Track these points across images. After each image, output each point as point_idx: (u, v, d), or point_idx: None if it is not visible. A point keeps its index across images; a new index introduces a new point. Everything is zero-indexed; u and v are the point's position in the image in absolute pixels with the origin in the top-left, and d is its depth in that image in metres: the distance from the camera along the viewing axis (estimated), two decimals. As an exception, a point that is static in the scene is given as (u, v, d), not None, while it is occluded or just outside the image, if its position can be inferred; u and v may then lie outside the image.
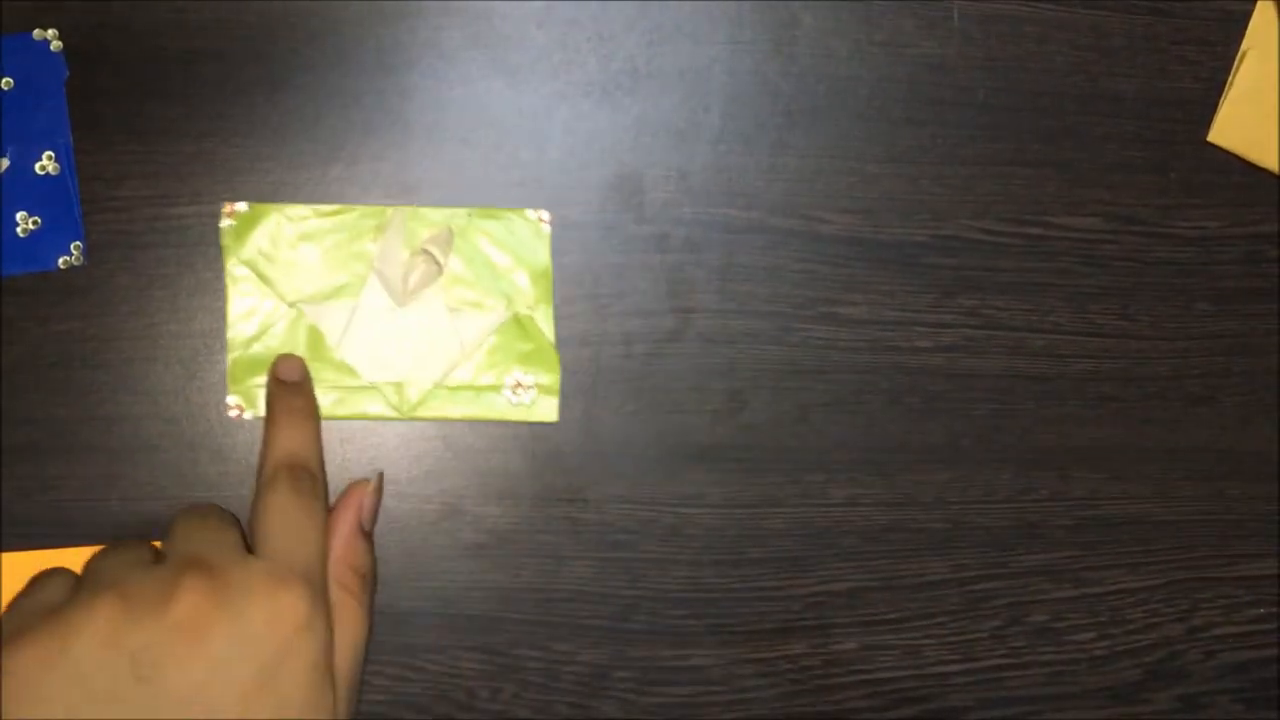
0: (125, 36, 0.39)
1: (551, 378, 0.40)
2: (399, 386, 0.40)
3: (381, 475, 0.39)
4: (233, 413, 0.39)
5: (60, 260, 0.38)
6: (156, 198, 0.39)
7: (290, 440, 0.37)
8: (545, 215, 0.40)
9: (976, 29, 0.42)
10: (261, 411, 0.39)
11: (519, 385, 0.40)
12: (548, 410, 0.40)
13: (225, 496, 0.39)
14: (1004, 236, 0.43)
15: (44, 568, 0.35)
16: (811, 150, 0.42)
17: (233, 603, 0.31)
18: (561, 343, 0.41)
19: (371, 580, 0.37)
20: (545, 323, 0.40)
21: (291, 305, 0.39)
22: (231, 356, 0.39)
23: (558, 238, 0.41)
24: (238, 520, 0.36)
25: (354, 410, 0.40)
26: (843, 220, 0.42)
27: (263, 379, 0.39)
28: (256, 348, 0.39)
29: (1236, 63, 0.43)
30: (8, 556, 0.38)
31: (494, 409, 0.40)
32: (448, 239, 0.39)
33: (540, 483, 0.41)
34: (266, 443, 0.37)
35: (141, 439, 0.39)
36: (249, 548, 0.35)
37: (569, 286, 0.41)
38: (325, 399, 0.39)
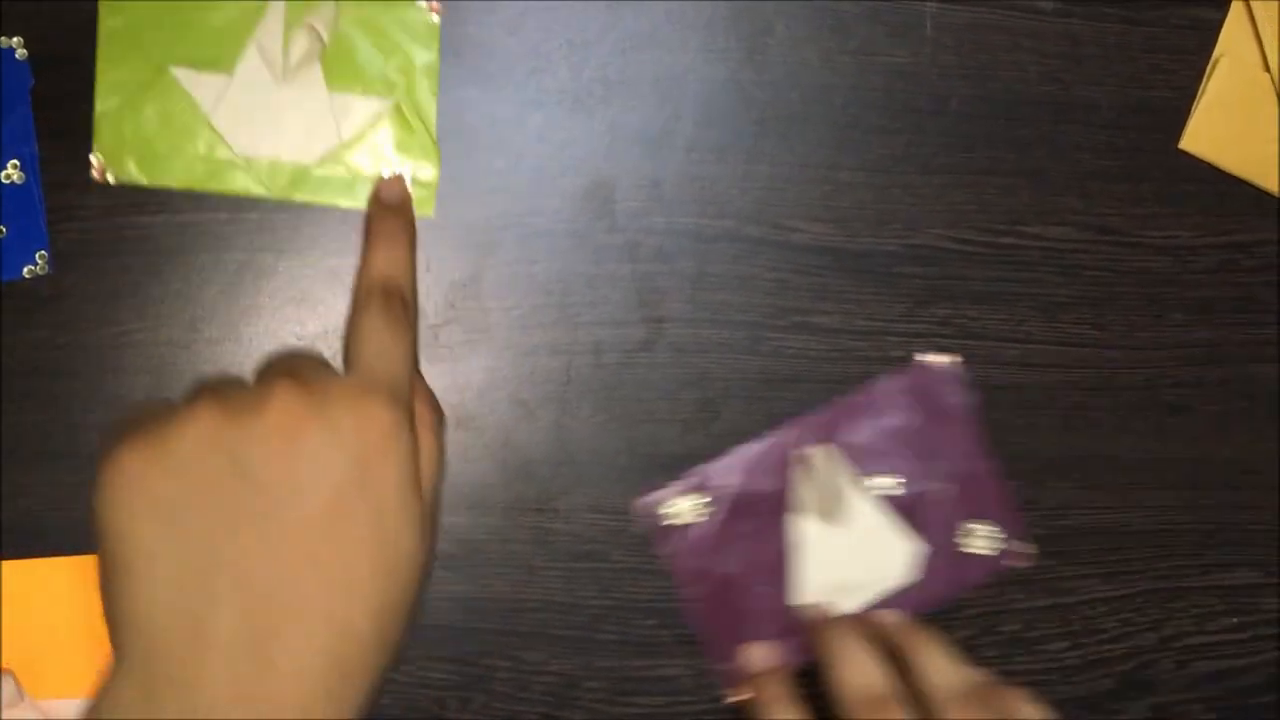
0: (91, 44, 0.38)
1: (431, 172, 0.40)
2: (272, 164, 0.39)
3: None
4: (94, 172, 0.38)
5: (26, 269, 0.38)
6: (123, 206, 0.39)
7: (386, 262, 0.37)
8: (436, 5, 0.39)
9: (949, 38, 0.42)
10: (126, 177, 0.38)
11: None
12: (424, 204, 0.40)
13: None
14: (977, 246, 0.43)
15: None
16: (784, 159, 0.42)
17: (323, 409, 0.31)
18: (532, 351, 0.41)
19: (443, 421, 0.37)
20: (429, 116, 0.39)
21: (165, 68, 0.38)
22: (99, 110, 0.38)
23: (529, 245, 0.41)
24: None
25: (224, 185, 0.39)
26: (815, 229, 0.42)
27: (130, 135, 0.38)
28: (126, 107, 0.38)
29: (1208, 70, 0.43)
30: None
31: (366, 198, 0.39)
32: (332, 14, 0.38)
33: (510, 492, 0.41)
34: (363, 262, 0.37)
35: (108, 448, 0.39)
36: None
37: (539, 295, 0.41)
38: (194, 170, 0.38)
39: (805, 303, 0.42)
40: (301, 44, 0.38)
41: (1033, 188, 0.43)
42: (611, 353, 0.41)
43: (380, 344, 0.34)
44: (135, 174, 0.38)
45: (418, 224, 0.40)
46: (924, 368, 0.42)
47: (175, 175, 0.38)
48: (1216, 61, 0.43)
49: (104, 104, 0.38)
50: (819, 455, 0.41)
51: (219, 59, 0.38)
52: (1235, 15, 0.43)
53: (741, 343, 0.42)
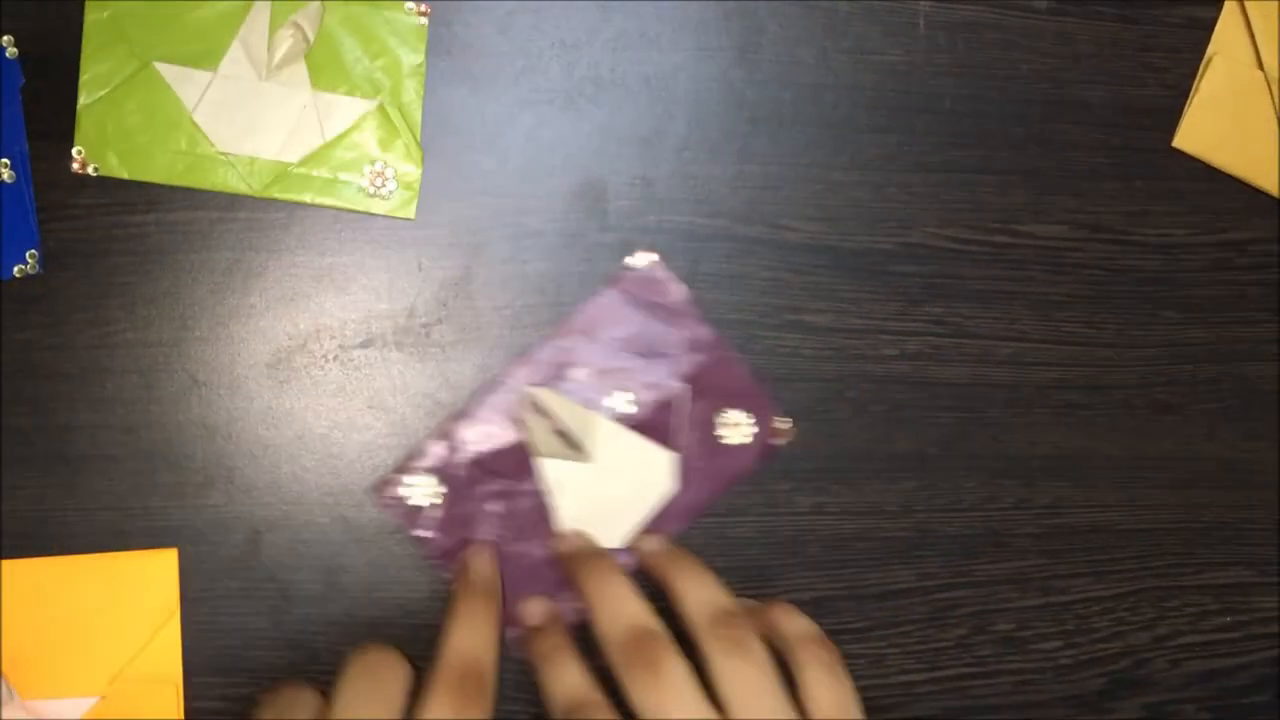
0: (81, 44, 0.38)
1: (414, 173, 0.39)
2: (252, 161, 0.38)
3: None
4: (75, 165, 0.38)
5: (16, 269, 0.38)
6: (113, 206, 0.39)
7: (467, 641, 0.36)
8: (423, 7, 0.39)
9: (943, 36, 0.42)
10: (108, 170, 0.38)
11: (379, 177, 0.39)
12: (406, 206, 0.39)
13: (182, 506, 0.39)
14: (970, 244, 0.43)
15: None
16: (777, 158, 0.42)
17: None
18: (525, 351, 0.41)
19: None
20: (414, 118, 0.39)
21: (149, 63, 0.38)
22: (82, 103, 0.38)
23: (521, 245, 0.41)
24: (406, 676, 0.36)
25: (206, 181, 0.38)
26: (809, 228, 0.42)
27: (113, 129, 0.38)
28: (109, 101, 0.38)
29: (1202, 68, 0.43)
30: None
31: (349, 198, 0.39)
32: (317, 13, 0.38)
33: (502, 492, 0.41)
34: (444, 634, 0.36)
35: (99, 449, 0.39)
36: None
37: (532, 294, 0.41)
38: (176, 165, 0.38)
39: (799, 301, 0.42)
40: (286, 42, 0.38)
41: (1026, 186, 0.43)
42: (604, 352, 0.41)
43: None
44: (117, 168, 0.38)
45: (407, 225, 0.40)
46: (630, 273, 0.40)
47: (157, 170, 0.38)
48: (1210, 60, 0.43)
49: (87, 97, 0.38)
50: (542, 397, 0.40)
51: (203, 55, 0.38)
52: (1228, 14, 0.43)
53: (734, 341, 0.42)
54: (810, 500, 0.43)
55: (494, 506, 0.40)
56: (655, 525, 0.41)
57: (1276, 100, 0.43)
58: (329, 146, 0.39)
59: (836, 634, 0.43)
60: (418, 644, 0.41)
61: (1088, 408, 0.44)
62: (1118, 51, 0.43)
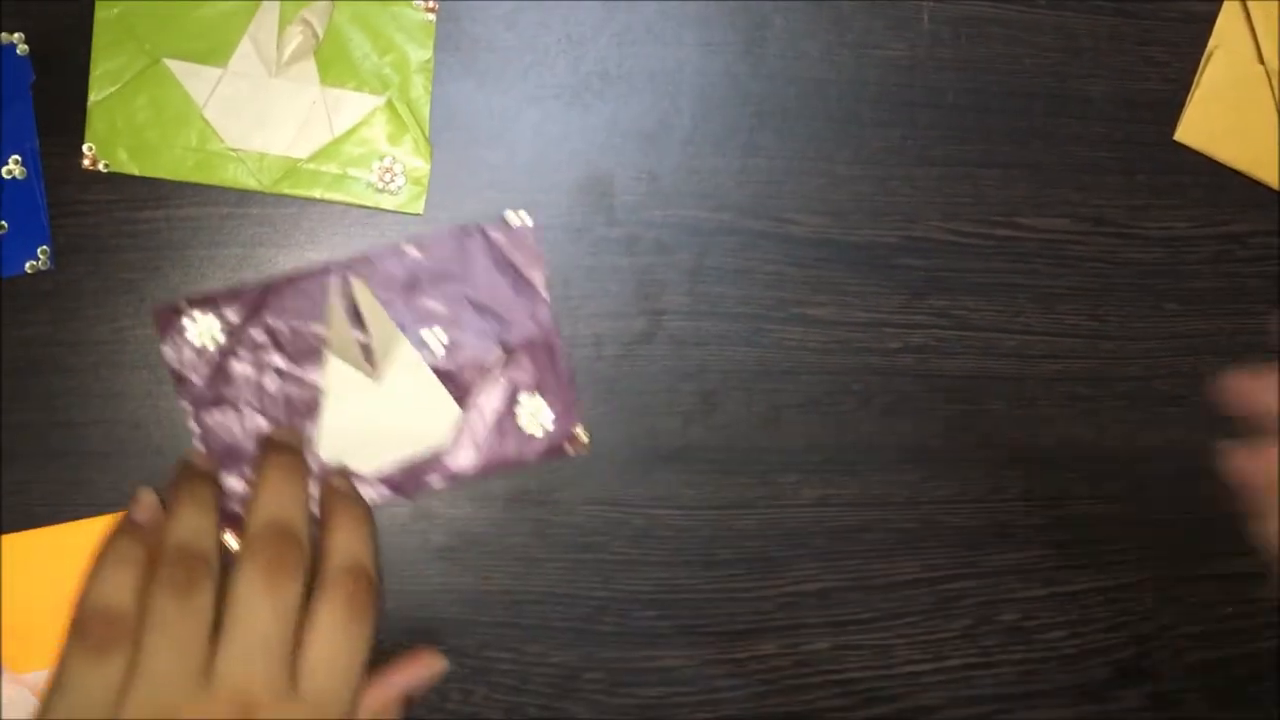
0: (91, 39, 0.38)
1: (423, 168, 0.40)
2: (261, 157, 0.39)
3: (447, 666, 0.39)
4: (85, 161, 0.38)
5: (27, 264, 0.38)
6: (123, 202, 0.39)
7: (350, 542, 0.36)
8: (431, 4, 0.39)
9: (946, 31, 0.43)
10: (118, 166, 0.38)
11: (388, 172, 0.39)
12: (414, 201, 0.40)
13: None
14: (973, 238, 0.43)
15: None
16: (782, 152, 0.42)
17: None
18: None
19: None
20: (422, 113, 0.39)
21: (159, 59, 0.38)
22: (92, 100, 0.38)
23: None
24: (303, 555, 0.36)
25: (215, 177, 0.39)
26: (813, 222, 0.42)
27: (123, 125, 0.38)
28: (119, 97, 0.38)
29: (1203, 62, 0.44)
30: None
31: (358, 194, 0.39)
32: (326, 9, 0.38)
33: (510, 485, 0.41)
34: (323, 542, 0.36)
35: (108, 444, 0.39)
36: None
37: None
38: (186, 161, 0.38)
39: (803, 295, 0.42)
40: (296, 39, 0.38)
41: (1029, 180, 0.43)
42: (611, 345, 0.41)
43: (338, 659, 0.34)
44: (126, 163, 0.38)
45: (415, 220, 0.40)
46: (503, 226, 0.40)
47: (166, 166, 0.39)
48: (1211, 54, 0.44)
49: (97, 94, 0.38)
50: (360, 291, 0.39)
51: (213, 51, 0.38)
52: (1229, 7, 0.43)
53: (740, 335, 0.42)
54: (816, 492, 0.43)
55: (267, 380, 0.39)
56: (411, 473, 0.40)
57: (1277, 94, 0.44)
58: (338, 142, 0.39)
59: (842, 625, 0.43)
60: (430, 636, 0.41)
61: (1091, 400, 0.44)
62: (1118, 45, 0.43)
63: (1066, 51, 0.43)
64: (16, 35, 0.38)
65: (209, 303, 0.39)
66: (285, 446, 0.38)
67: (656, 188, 0.41)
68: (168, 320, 0.39)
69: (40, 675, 0.39)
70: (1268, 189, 0.44)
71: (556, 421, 0.40)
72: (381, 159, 0.39)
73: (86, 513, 0.39)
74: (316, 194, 0.39)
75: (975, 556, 0.44)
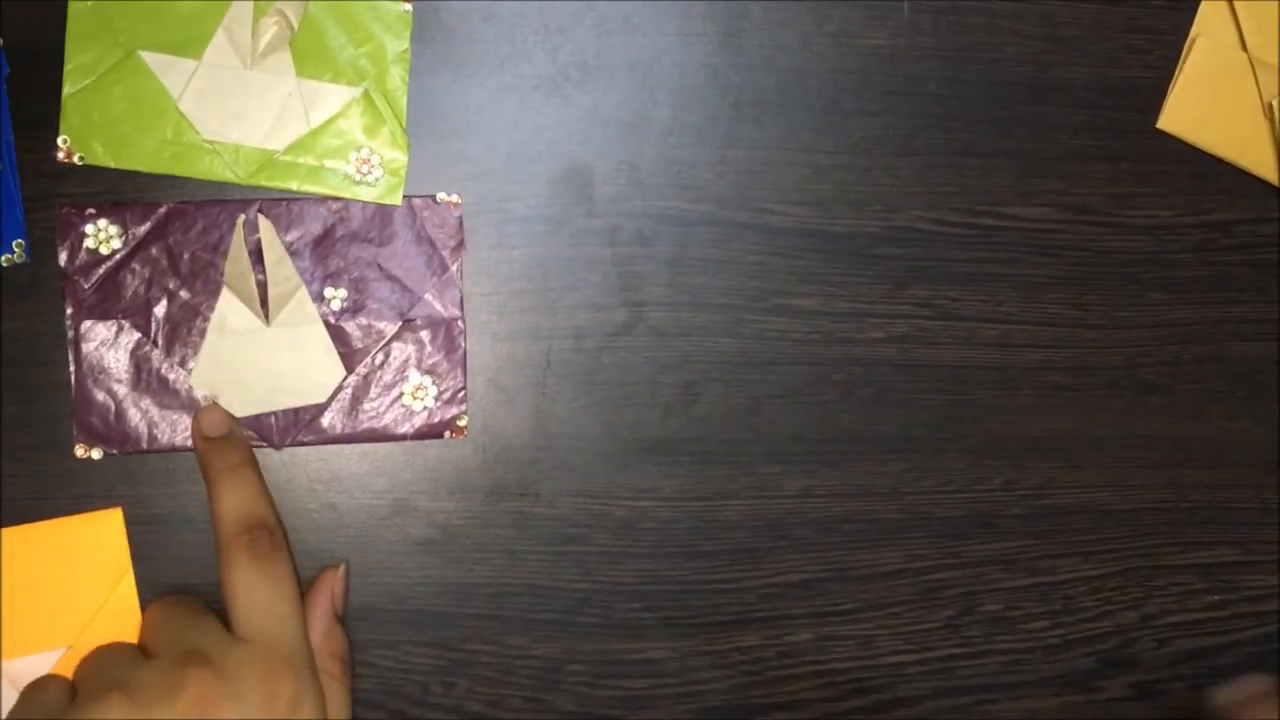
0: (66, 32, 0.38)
1: (400, 159, 0.39)
2: (237, 149, 0.38)
3: (348, 563, 0.40)
4: (60, 154, 0.38)
5: (3, 258, 0.38)
6: (98, 194, 0.39)
7: (237, 499, 0.37)
8: None
9: (927, 19, 0.42)
10: (93, 159, 0.38)
11: (365, 164, 0.39)
12: (392, 192, 0.39)
13: (174, 494, 0.39)
14: (956, 227, 0.43)
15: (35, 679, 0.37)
16: (762, 142, 0.42)
17: (232, 688, 0.34)
18: (511, 337, 0.41)
19: (350, 662, 0.39)
20: (399, 104, 0.39)
21: (134, 52, 0.38)
22: (67, 92, 0.38)
23: (507, 231, 0.41)
24: (210, 607, 0.37)
25: (191, 169, 0.38)
26: (794, 212, 0.42)
27: (98, 117, 0.38)
28: (94, 90, 0.38)
29: (1185, 49, 0.43)
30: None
31: (335, 185, 0.39)
32: (302, 1, 0.38)
33: (491, 477, 0.41)
34: (212, 506, 0.37)
35: (88, 437, 0.39)
36: (228, 624, 0.36)
37: (519, 280, 0.41)
38: (162, 153, 0.38)
39: (785, 285, 0.42)
40: (270, 30, 0.38)
41: (1012, 168, 0.43)
42: (591, 337, 0.41)
43: (262, 600, 0.36)
44: (102, 156, 0.38)
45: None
46: (431, 204, 0.39)
47: (142, 158, 0.38)
48: (1193, 41, 0.43)
49: (71, 86, 0.38)
50: (270, 243, 0.39)
51: (188, 43, 0.38)
52: (1212, -6, 0.43)
53: (722, 326, 0.42)
54: (799, 483, 0.43)
55: (155, 303, 0.39)
56: (282, 424, 0.40)
57: (1259, 81, 0.43)
58: (315, 134, 0.39)
59: (826, 616, 0.43)
60: (409, 628, 0.41)
61: (1074, 389, 0.44)
62: (1101, 33, 0.43)
63: (1049, 39, 0.43)
64: (-9, 28, 0.38)
65: (115, 210, 0.38)
66: (224, 442, 0.38)
67: (636, 179, 0.41)
68: (69, 223, 0.38)
69: (14, 662, 0.38)
70: (1251, 176, 0.44)
71: (439, 404, 0.40)
72: (358, 150, 0.39)
73: (69, 506, 0.39)
74: (293, 186, 0.39)
75: (959, 546, 0.44)
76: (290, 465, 0.40)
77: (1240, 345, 0.45)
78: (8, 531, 0.38)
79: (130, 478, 0.39)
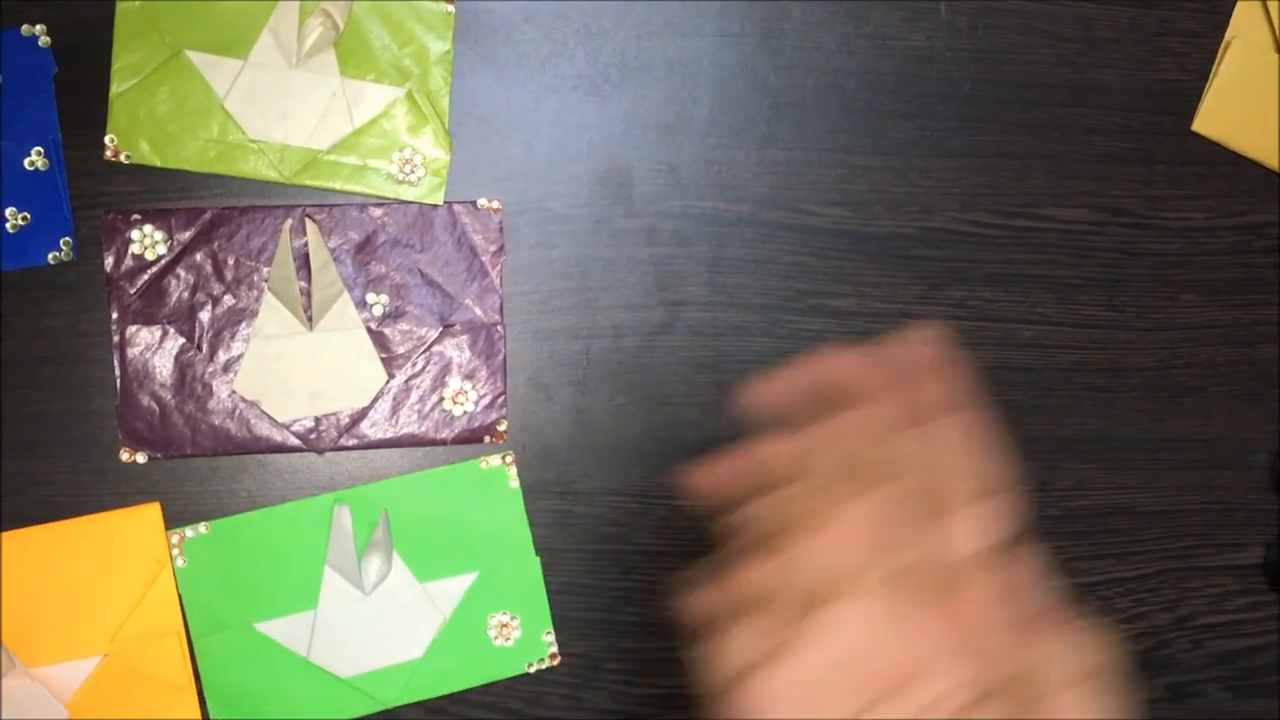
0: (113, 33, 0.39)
1: (442, 159, 0.40)
2: (282, 149, 0.39)
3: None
4: (107, 153, 0.38)
5: (50, 255, 0.38)
6: (145, 193, 0.39)
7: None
8: None
9: (964, 22, 0.43)
10: (140, 158, 0.38)
11: (408, 163, 0.39)
12: (434, 192, 0.40)
13: (216, 491, 0.40)
14: (991, 228, 0.43)
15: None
16: (800, 143, 0.42)
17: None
18: (551, 335, 0.41)
19: None
20: (441, 104, 0.40)
21: (181, 52, 0.38)
22: (114, 92, 0.38)
23: (547, 230, 0.41)
24: None
25: (235, 168, 0.39)
26: (831, 213, 0.42)
27: (144, 117, 0.38)
28: (141, 89, 0.38)
29: (1220, 52, 0.44)
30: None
31: (378, 185, 0.39)
32: (347, 2, 0.38)
33: (530, 476, 0.41)
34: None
35: (132, 434, 0.39)
36: None
37: (558, 280, 0.41)
38: (207, 152, 0.38)
39: (822, 286, 0.42)
40: (316, 31, 0.39)
41: (1046, 170, 0.43)
42: (630, 336, 0.42)
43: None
44: (148, 155, 0.38)
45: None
46: (472, 209, 0.40)
47: (188, 157, 0.39)
48: (1228, 44, 0.44)
49: (118, 86, 0.38)
50: (316, 247, 0.39)
51: (234, 44, 0.39)
52: (1246, -2, 0.43)
53: (759, 326, 0.42)
54: (834, 483, 0.43)
55: (200, 309, 0.39)
56: (324, 429, 0.40)
57: (1294, 84, 0.44)
58: (358, 133, 0.39)
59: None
60: (448, 626, 0.41)
61: (1108, 390, 0.44)
62: (1136, 36, 0.44)
63: (1084, 42, 0.43)
64: (39, 27, 0.38)
65: (160, 216, 0.39)
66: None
67: (675, 179, 0.42)
68: (114, 228, 0.38)
69: (47, 669, 0.38)
70: (1285, 179, 0.44)
71: (480, 408, 0.40)
72: (401, 150, 0.40)
73: (111, 502, 0.39)
74: (337, 185, 0.39)
75: (994, 547, 0.44)
76: (333, 465, 0.40)
77: (1273, 347, 0.45)
78: (47, 528, 0.39)
79: (171, 475, 0.39)
